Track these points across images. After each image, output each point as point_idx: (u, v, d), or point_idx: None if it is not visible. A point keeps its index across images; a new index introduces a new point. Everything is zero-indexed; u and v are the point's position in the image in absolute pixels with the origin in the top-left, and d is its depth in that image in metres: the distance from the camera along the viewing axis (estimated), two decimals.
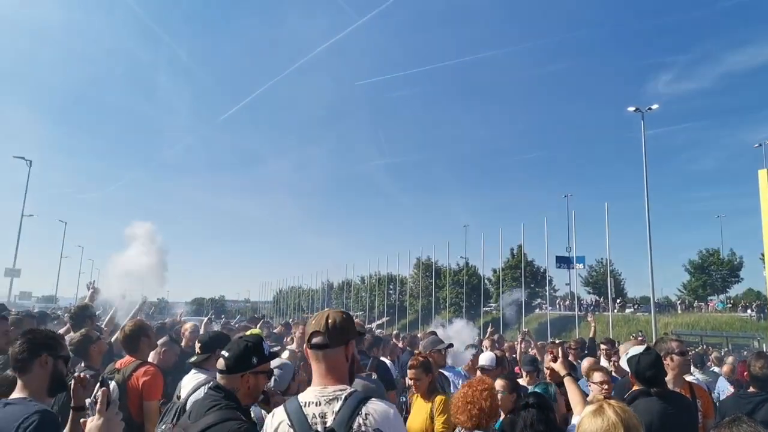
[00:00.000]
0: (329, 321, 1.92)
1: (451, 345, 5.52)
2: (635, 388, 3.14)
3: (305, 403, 1.83)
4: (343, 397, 1.80)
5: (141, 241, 7.40)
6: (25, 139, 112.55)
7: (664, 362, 3.51)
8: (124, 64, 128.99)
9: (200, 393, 3.12)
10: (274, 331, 9.86)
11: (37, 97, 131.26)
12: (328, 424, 1.75)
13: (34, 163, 38.33)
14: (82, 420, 1.84)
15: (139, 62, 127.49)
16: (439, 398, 3.80)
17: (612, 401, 1.82)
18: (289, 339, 7.58)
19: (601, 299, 43.14)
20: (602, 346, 6.99)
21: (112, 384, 3.50)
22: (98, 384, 1.93)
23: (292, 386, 3.81)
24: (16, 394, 2.36)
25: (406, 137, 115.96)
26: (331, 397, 1.81)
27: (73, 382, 2.36)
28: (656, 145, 76.47)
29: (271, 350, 2.49)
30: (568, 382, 3.48)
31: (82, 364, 3.81)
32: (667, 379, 3.27)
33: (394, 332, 12.25)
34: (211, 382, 2.40)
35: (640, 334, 21.69)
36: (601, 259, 44.41)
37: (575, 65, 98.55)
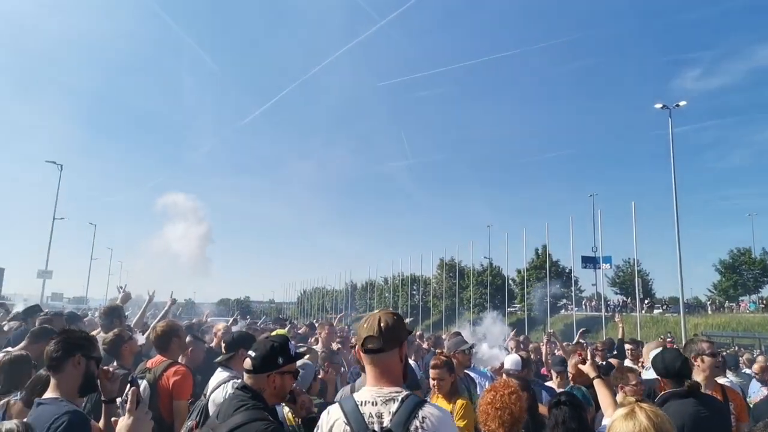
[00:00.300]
0: (382, 324, 1.92)
1: (473, 346, 5.42)
2: (665, 391, 3.08)
3: (361, 402, 1.84)
4: (399, 398, 1.82)
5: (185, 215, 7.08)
6: (56, 144, 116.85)
7: (695, 363, 3.47)
8: (150, 69, 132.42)
9: (221, 391, 3.19)
10: (299, 331, 9.92)
11: (67, 103, 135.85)
12: (385, 424, 1.76)
13: (65, 167, 39.23)
14: (113, 419, 1.85)
15: (165, 68, 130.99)
16: (460, 402, 3.75)
17: (644, 404, 1.77)
18: (313, 339, 7.64)
19: (629, 300, 42.32)
20: (627, 346, 6.87)
21: (143, 383, 3.58)
22: (128, 383, 1.95)
23: (313, 386, 3.85)
24: (49, 393, 2.40)
25: (428, 137, 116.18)
26: (387, 398, 1.82)
27: (99, 376, 2.44)
28: (684, 143, 74.47)
29: (297, 351, 2.50)
30: (598, 384, 3.41)
31: (115, 364, 3.87)
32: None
33: (418, 333, 12.17)
34: (239, 383, 2.41)
35: (669, 335, 21.24)
36: (629, 258, 43.68)
37: (600, 62, 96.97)
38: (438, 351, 3.38)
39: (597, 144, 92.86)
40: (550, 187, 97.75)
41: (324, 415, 1.94)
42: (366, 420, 1.78)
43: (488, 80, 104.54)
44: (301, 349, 3.39)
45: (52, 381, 2.42)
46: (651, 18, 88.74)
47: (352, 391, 3.59)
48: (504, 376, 4.60)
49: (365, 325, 1.96)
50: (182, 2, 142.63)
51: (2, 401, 2.93)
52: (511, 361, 4.93)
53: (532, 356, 7.01)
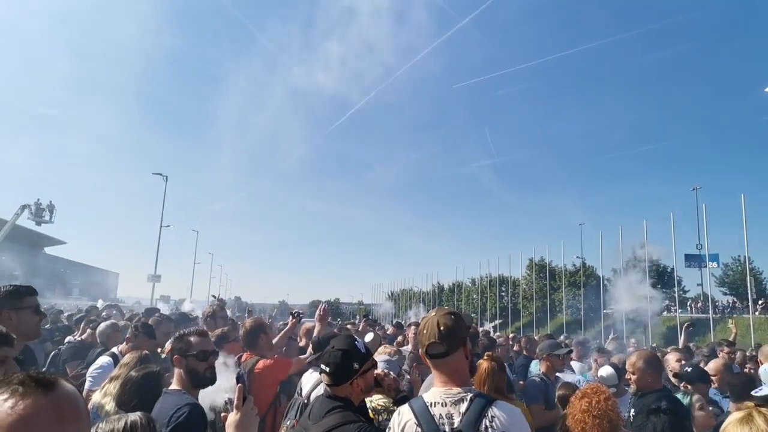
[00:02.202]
0: (441, 328, 1.92)
1: (570, 351, 5.17)
2: None
3: (431, 403, 1.86)
4: (468, 398, 1.82)
5: None
6: (161, 157, 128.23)
7: None
8: (243, 83, 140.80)
9: (320, 389, 3.17)
10: (388, 332, 9.81)
11: (168, 118, 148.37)
12: (456, 425, 1.77)
13: (170, 178, 40.99)
14: (222, 414, 1.92)
15: (256, 81, 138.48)
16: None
17: (763, 409, 1.60)
18: (401, 339, 7.64)
19: (739, 301, 39.36)
20: (725, 349, 6.51)
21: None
22: (236, 380, 2.01)
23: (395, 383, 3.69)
24: (174, 386, 2.70)
25: (512, 136, 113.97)
26: (457, 399, 1.83)
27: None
28: None
29: (365, 343, 2.46)
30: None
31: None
32: None
33: (511, 335, 12.02)
34: (324, 392, 2.38)
35: None
36: (738, 256, 40.46)
37: (696, 47, 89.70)
38: (487, 355, 3.39)
39: (698, 134, 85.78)
40: (647, 181, 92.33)
41: (395, 415, 1.97)
42: (437, 421, 1.80)
43: (573, 73, 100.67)
44: (368, 338, 3.38)
45: (176, 375, 2.74)
46: None
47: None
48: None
49: (425, 331, 1.96)
50: (267, 14, 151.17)
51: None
52: (605, 374, 4.50)
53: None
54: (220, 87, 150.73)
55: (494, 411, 1.77)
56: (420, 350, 2.03)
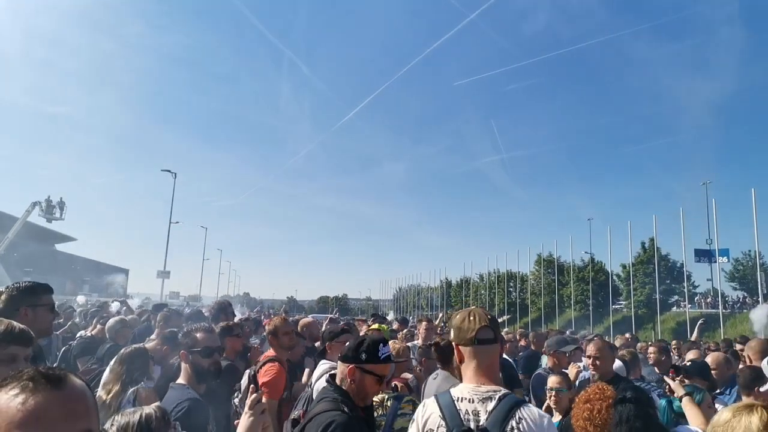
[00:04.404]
0: (489, 316, 1.92)
1: (578, 347, 5.12)
2: None
3: (458, 398, 1.82)
4: (497, 397, 1.78)
5: None
6: (170, 154, 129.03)
7: None
8: (251, 81, 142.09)
9: (322, 381, 3.29)
10: (393, 327, 9.60)
11: (178, 115, 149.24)
12: (481, 423, 1.74)
13: (178, 175, 40.79)
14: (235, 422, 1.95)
15: (265, 78, 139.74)
16: None
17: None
18: (405, 332, 7.71)
19: (750, 296, 38.98)
20: (738, 347, 6.43)
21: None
22: (247, 381, 2.06)
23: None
24: (180, 380, 2.78)
25: (521, 131, 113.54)
26: (485, 396, 1.79)
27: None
28: None
29: (388, 355, 2.39)
30: (686, 403, 3.13)
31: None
32: None
33: (519, 331, 12.11)
34: (330, 372, 2.48)
35: None
36: (749, 251, 40.03)
37: (705, 41, 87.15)
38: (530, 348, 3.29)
39: (708, 128, 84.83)
40: (656, 176, 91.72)
41: (420, 408, 1.95)
42: (462, 417, 1.77)
43: (582, 68, 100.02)
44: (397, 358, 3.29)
45: (182, 369, 2.82)
46: None
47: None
48: None
49: (472, 318, 1.93)
50: (275, 13, 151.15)
51: (132, 389, 3.21)
52: (615, 367, 4.37)
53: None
54: (228, 84, 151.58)
55: (523, 413, 1.73)
56: (457, 340, 1.96)
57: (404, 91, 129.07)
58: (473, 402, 1.79)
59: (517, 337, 9.62)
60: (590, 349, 3.95)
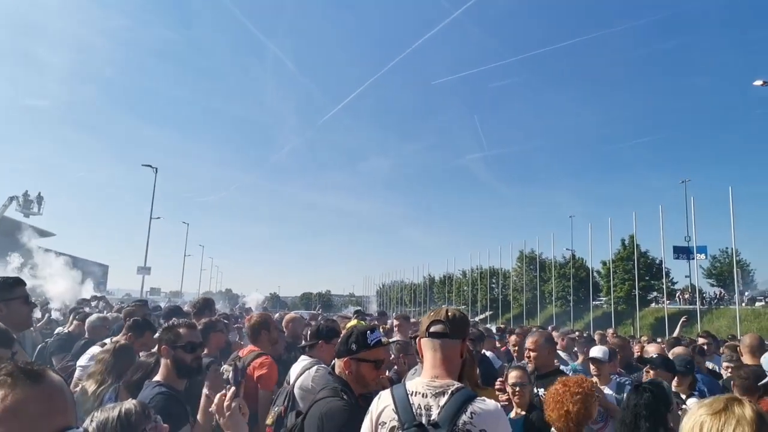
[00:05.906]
0: (449, 313, 1.94)
1: (555, 343, 4.86)
2: None
3: (412, 392, 1.82)
4: (450, 391, 1.77)
5: None
6: (151, 149, 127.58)
7: None
8: (234, 75, 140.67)
9: (306, 376, 3.31)
10: (373, 322, 9.53)
11: (160, 110, 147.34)
12: (433, 418, 1.73)
13: (159, 170, 40.25)
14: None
15: (249, 73, 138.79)
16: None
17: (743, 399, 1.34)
18: (386, 327, 7.73)
19: (726, 292, 39.93)
20: (701, 341, 6.38)
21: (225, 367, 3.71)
22: (231, 380, 2.04)
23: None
24: (157, 377, 2.77)
25: (506, 128, 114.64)
26: (438, 391, 1.78)
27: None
28: None
29: (378, 339, 2.46)
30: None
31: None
32: None
33: (503, 325, 12.16)
34: (326, 368, 2.57)
35: None
36: (726, 248, 41.03)
37: (689, 41, 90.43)
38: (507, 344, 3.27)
39: (688, 127, 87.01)
40: (637, 174, 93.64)
41: (375, 400, 1.94)
42: (414, 411, 1.76)
43: (568, 66, 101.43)
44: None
45: (162, 365, 2.81)
46: None
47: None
48: (590, 364, 4.35)
49: (431, 313, 1.99)
50: (260, 8, 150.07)
51: (113, 386, 3.20)
52: (598, 350, 4.43)
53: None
54: (212, 79, 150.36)
55: (474, 407, 1.72)
56: (419, 335, 2.00)
57: (389, 88, 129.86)
58: (426, 397, 1.78)
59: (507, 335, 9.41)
60: (528, 342, 3.96)
